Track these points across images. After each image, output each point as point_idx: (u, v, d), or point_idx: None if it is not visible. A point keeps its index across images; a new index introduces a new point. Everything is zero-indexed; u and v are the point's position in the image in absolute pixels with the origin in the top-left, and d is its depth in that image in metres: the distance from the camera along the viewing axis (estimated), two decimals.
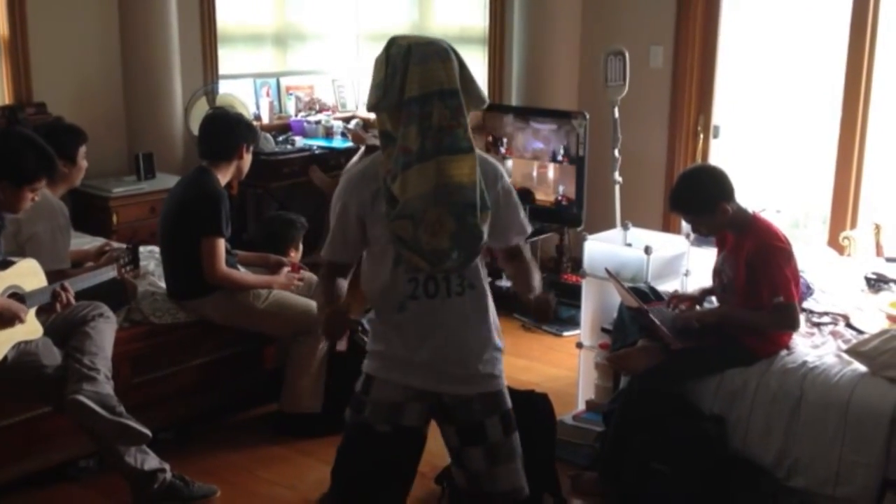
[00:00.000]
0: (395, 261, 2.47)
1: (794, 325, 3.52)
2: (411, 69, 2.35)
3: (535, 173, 5.90)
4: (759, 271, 3.45)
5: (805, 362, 3.46)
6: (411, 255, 2.40)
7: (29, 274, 3.32)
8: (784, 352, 3.54)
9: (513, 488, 2.64)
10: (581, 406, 4.24)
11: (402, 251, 2.41)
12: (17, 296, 3.23)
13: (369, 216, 2.48)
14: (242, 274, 4.16)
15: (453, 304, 2.52)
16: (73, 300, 3.35)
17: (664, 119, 6.04)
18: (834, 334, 3.75)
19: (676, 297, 3.80)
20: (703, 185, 3.54)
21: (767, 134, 6.17)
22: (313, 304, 4.19)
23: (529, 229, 2.72)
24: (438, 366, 2.54)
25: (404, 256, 2.42)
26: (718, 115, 5.97)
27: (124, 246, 3.95)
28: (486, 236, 2.46)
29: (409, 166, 2.34)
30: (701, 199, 3.52)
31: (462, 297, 2.53)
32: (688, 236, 4.32)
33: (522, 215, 2.67)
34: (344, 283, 2.63)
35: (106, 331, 3.51)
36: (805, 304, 3.85)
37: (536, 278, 2.68)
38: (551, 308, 2.65)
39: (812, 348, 3.62)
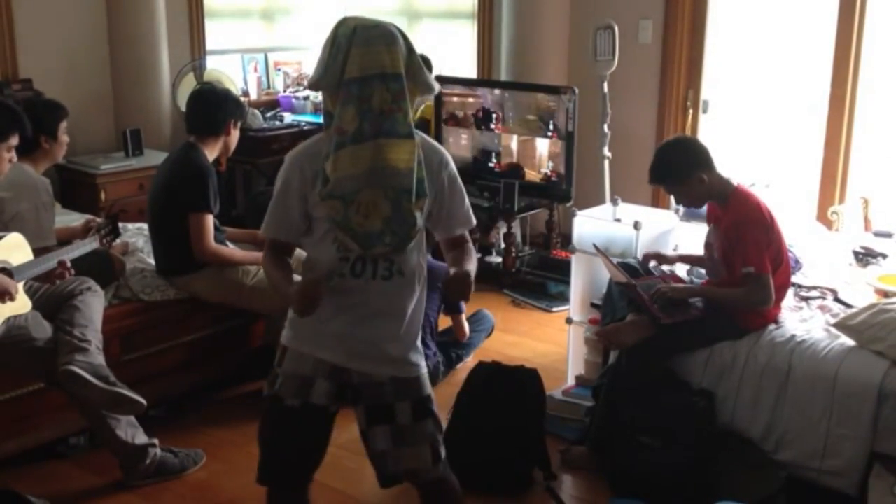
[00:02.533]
0: (333, 238, 2.45)
1: (766, 300, 3.47)
2: (353, 51, 2.35)
3: (523, 147, 5.88)
4: (733, 244, 3.46)
5: (793, 336, 3.47)
6: (343, 235, 2.40)
7: (15, 248, 3.30)
8: (772, 326, 3.55)
9: (416, 469, 2.62)
10: (570, 381, 4.25)
11: (335, 231, 2.41)
12: (6, 270, 3.21)
13: (311, 194, 2.46)
14: (231, 250, 4.14)
15: (377, 287, 2.49)
16: (71, 272, 3.35)
17: (653, 94, 6.02)
18: (822, 308, 3.77)
19: (650, 256, 3.87)
20: (678, 156, 3.57)
21: (756, 108, 6.15)
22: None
23: (474, 221, 2.67)
24: (348, 340, 2.51)
25: (338, 236, 2.42)
26: (707, 90, 5.95)
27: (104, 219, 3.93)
28: (420, 223, 2.45)
29: (343, 146, 2.35)
30: (676, 170, 3.55)
31: (388, 281, 2.49)
32: (677, 212, 4.33)
33: (467, 205, 2.63)
34: (288, 263, 2.58)
35: (94, 304, 3.50)
36: (793, 279, 3.86)
37: (472, 267, 2.57)
38: (469, 287, 2.46)
39: (800, 322, 3.63)
